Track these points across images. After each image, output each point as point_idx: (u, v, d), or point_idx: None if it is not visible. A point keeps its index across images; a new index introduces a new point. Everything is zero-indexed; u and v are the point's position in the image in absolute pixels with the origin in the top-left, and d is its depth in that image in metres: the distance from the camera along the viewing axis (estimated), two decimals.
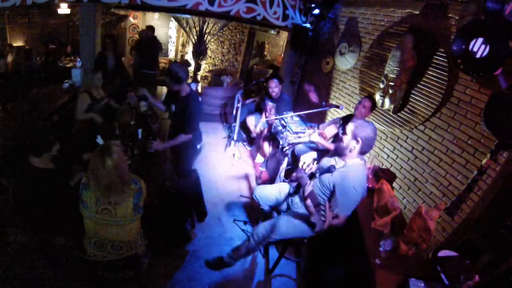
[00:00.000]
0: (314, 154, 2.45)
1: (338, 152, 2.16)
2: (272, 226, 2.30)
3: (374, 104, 3.14)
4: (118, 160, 1.69)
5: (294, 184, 2.48)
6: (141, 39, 6.01)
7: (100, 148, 1.72)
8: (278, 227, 2.28)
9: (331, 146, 2.99)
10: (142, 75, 5.63)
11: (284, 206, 2.53)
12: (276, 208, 2.62)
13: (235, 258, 2.47)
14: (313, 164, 2.27)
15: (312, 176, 2.23)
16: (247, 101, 4.87)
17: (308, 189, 2.05)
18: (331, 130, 3.46)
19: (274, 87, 3.92)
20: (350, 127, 2.04)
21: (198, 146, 3.00)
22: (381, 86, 3.33)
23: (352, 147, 2.02)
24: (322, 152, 2.89)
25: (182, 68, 2.69)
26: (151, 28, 5.84)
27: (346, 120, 3.23)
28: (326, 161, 2.21)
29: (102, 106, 3.61)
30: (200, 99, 2.84)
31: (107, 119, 3.57)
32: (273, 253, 2.82)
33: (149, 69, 5.70)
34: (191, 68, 7.47)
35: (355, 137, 2.00)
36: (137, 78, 5.79)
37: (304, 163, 2.34)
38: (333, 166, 2.06)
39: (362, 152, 2.04)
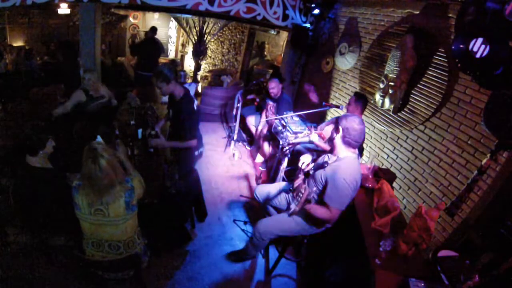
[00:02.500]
0: (309, 157, 2.47)
1: (329, 146, 2.20)
2: (271, 223, 2.34)
3: (359, 97, 3.04)
4: (109, 157, 1.71)
5: (291, 184, 2.50)
6: (140, 40, 5.96)
7: (87, 153, 1.69)
8: (276, 224, 2.32)
9: (327, 147, 2.99)
10: (141, 77, 5.58)
11: (284, 205, 2.54)
12: (276, 207, 2.63)
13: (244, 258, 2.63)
14: (311, 163, 2.29)
15: (307, 174, 2.25)
16: (248, 97, 4.87)
17: (296, 182, 2.07)
18: (329, 131, 3.46)
19: (273, 87, 3.91)
20: (331, 129, 2.10)
21: (196, 153, 2.95)
22: (381, 86, 3.33)
23: (334, 137, 2.05)
24: (320, 153, 2.89)
25: (168, 67, 2.56)
26: (152, 30, 5.80)
27: None
28: (320, 159, 2.24)
29: (99, 105, 3.60)
30: (195, 102, 2.70)
31: (107, 119, 3.58)
32: (273, 253, 2.82)
33: (147, 71, 5.51)
34: (191, 68, 7.47)
35: (336, 126, 2.04)
36: (136, 79, 5.77)
37: (303, 163, 2.36)
38: (326, 162, 2.08)
39: (347, 143, 2.02)
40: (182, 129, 2.62)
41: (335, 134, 2.06)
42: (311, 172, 2.22)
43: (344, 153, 2.05)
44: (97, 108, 3.60)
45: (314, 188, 2.16)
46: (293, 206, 2.05)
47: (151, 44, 5.71)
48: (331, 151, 2.16)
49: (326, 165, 2.07)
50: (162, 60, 8.11)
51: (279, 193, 2.57)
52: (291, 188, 2.47)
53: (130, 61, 7.23)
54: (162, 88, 2.53)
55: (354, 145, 2.03)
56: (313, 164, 2.31)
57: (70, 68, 3.97)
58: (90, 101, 3.54)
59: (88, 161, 1.67)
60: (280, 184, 2.67)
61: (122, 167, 1.88)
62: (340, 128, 2.01)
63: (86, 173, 1.69)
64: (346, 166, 1.99)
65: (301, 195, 1.93)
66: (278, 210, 2.62)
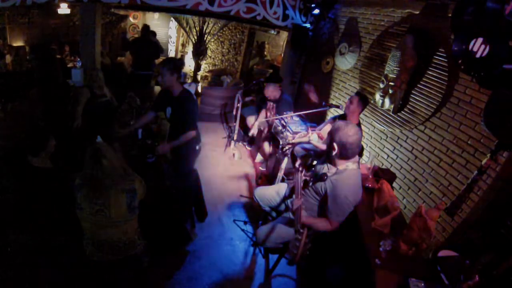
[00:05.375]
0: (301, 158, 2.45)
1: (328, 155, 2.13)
2: (270, 233, 2.31)
3: (363, 98, 3.03)
4: (112, 157, 1.72)
5: (291, 185, 2.49)
6: (134, 39, 5.96)
7: (90, 153, 1.70)
8: (276, 234, 2.29)
9: (324, 147, 2.99)
10: (136, 76, 5.57)
11: (282, 207, 2.54)
12: (275, 209, 2.63)
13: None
14: (309, 164, 2.27)
15: (305, 184, 2.23)
16: (246, 99, 4.88)
17: (296, 204, 1.99)
18: (327, 130, 3.46)
19: (270, 94, 3.88)
20: (328, 131, 2.02)
21: (197, 147, 2.97)
22: (381, 86, 3.33)
23: (331, 152, 1.98)
24: (319, 153, 2.89)
25: (177, 60, 2.64)
26: (145, 28, 5.80)
27: (340, 119, 3.21)
28: (319, 168, 2.18)
29: (101, 103, 3.60)
30: (194, 97, 2.76)
31: (107, 118, 3.57)
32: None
33: (143, 70, 5.56)
34: (191, 68, 7.46)
35: (331, 142, 1.96)
36: (131, 79, 5.76)
37: (299, 163, 2.35)
38: (325, 174, 2.03)
39: (344, 157, 1.96)
40: (183, 122, 2.66)
41: (332, 152, 1.98)
42: (310, 183, 2.20)
43: (344, 165, 2.00)
44: (99, 106, 3.60)
45: (312, 199, 2.15)
46: (290, 247, 1.95)
47: (144, 43, 5.63)
48: (330, 161, 2.11)
49: (325, 177, 2.02)
50: (161, 60, 8.10)
51: (278, 196, 2.57)
52: (290, 195, 2.46)
53: (130, 61, 7.22)
54: (165, 76, 2.55)
55: (353, 156, 1.99)
56: (311, 172, 2.28)
57: (47, 75, 3.97)
58: (93, 98, 3.54)
59: (91, 161, 1.68)
60: (279, 186, 2.67)
61: (123, 168, 1.88)
62: (335, 145, 1.93)
63: (87, 172, 1.70)
64: (347, 181, 1.95)
65: (299, 237, 1.81)
66: (278, 212, 2.62)
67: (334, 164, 2.05)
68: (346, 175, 1.97)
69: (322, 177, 2.04)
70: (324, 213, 2.07)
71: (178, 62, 2.64)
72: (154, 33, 6.45)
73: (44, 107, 3.54)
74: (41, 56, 4.25)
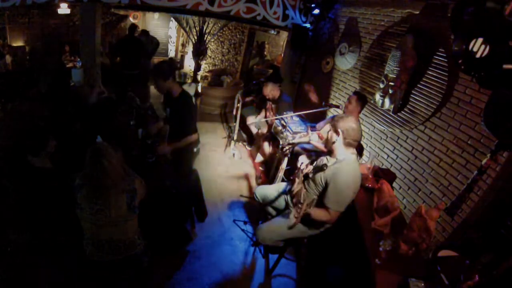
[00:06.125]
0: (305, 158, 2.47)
1: (327, 149, 2.19)
2: (270, 230, 2.33)
3: (361, 98, 3.05)
4: (112, 158, 1.72)
5: (290, 183, 2.50)
6: (119, 40, 5.92)
7: (90, 154, 1.71)
8: (276, 231, 2.31)
9: (324, 148, 3.00)
10: (124, 76, 5.53)
11: (283, 206, 2.54)
12: (275, 208, 2.63)
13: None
14: (310, 165, 2.29)
15: (306, 177, 2.24)
16: (246, 99, 4.88)
17: (296, 187, 2.06)
18: (327, 130, 3.45)
19: (268, 93, 3.90)
20: (331, 121, 2.10)
21: (195, 149, 2.96)
22: (381, 86, 3.33)
23: (335, 140, 2.04)
24: (319, 153, 2.89)
25: (166, 64, 2.61)
26: (131, 28, 5.81)
27: None
28: (319, 161, 2.23)
29: (103, 99, 3.61)
30: (193, 99, 2.75)
31: (110, 113, 3.57)
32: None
33: (129, 69, 5.52)
34: (191, 68, 7.46)
35: (335, 129, 2.03)
36: (120, 79, 5.74)
37: (302, 163, 2.36)
38: (325, 165, 2.08)
39: (347, 144, 2.03)
40: (182, 125, 2.65)
41: (335, 137, 2.04)
42: (310, 175, 2.22)
43: (344, 154, 2.05)
44: (99, 102, 3.60)
45: (312, 190, 2.16)
46: (291, 216, 2.00)
47: (129, 43, 5.59)
48: (329, 153, 2.15)
49: (325, 167, 2.06)
50: (160, 59, 8.10)
51: (278, 194, 2.57)
52: (289, 190, 2.47)
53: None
54: (159, 83, 2.54)
55: (354, 144, 2.05)
56: (312, 166, 2.30)
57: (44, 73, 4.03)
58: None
59: (91, 161, 1.68)
60: (279, 185, 2.68)
61: (123, 168, 1.88)
62: (339, 130, 2.01)
63: (87, 172, 1.70)
64: (347, 168, 1.99)
65: (300, 206, 1.88)
66: (278, 211, 2.62)
67: (334, 155, 2.09)
68: (346, 162, 2.02)
69: (322, 167, 2.08)
70: (322, 205, 2.07)
71: (167, 66, 2.57)
72: (146, 32, 6.45)
73: (45, 108, 3.55)
74: (41, 56, 4.26)
